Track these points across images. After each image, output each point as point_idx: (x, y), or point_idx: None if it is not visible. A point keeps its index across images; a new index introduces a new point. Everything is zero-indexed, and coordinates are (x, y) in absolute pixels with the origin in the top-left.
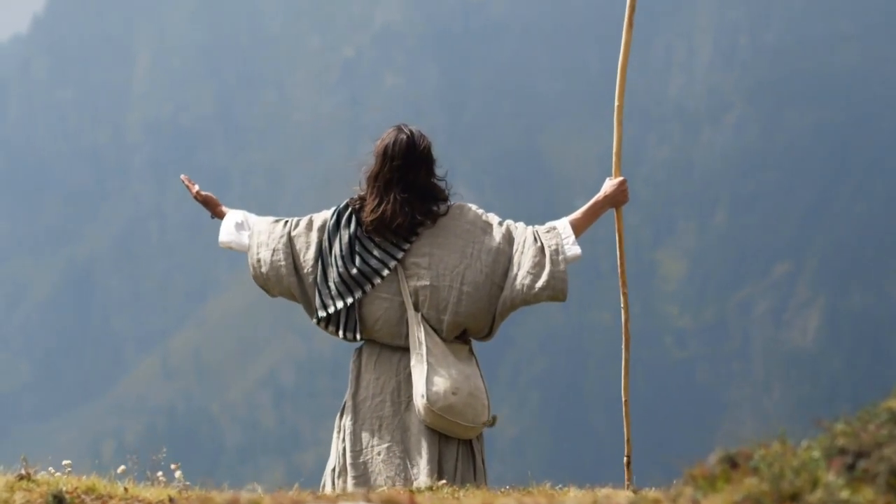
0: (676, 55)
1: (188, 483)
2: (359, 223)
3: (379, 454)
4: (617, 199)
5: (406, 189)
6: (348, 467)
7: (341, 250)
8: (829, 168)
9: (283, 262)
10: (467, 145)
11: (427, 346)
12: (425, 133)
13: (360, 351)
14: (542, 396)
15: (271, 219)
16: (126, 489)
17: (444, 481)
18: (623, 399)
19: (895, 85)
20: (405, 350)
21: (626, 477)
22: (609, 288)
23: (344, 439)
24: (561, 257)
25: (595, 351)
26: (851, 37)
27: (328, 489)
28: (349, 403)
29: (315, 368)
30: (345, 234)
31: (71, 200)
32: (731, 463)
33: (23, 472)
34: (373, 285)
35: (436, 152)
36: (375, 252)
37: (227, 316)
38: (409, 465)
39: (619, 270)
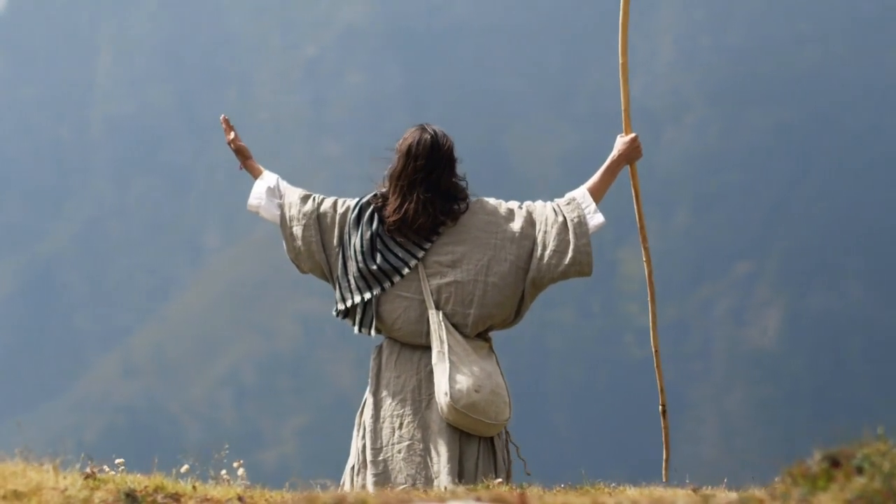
0: (638, 55)
1: (248, 482)
2: (381, 221)
3: (399, 452)
4: (631, 156)
5: (429, 189)
6: (368, 464)
7: (362, 246)
8: (790, 169)
9: (314, 239)
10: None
11: (449, 345)
12: (448, 133)
13: (379, 349)
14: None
15: (301, 191)
16: (194, 487)
17: (500, 479)
18: (654, 349)
19: (856, 86)
20: (425, 348)
21: (662, 425)
22: (569, 286)
23: (364, 436)
24: (584, 229)
25: (556, 349)
26: (812, 38)
27: (347, 487)
28: (369, 401)
29: (276, 367)
30: (366, 231)
31: (32, 198)
32: (832, 462)
33: (88, 470)
34: (392, 283)
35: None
36: (397, 251)
37: (188, 314)
38: (429, 463)
39: (638, 225)
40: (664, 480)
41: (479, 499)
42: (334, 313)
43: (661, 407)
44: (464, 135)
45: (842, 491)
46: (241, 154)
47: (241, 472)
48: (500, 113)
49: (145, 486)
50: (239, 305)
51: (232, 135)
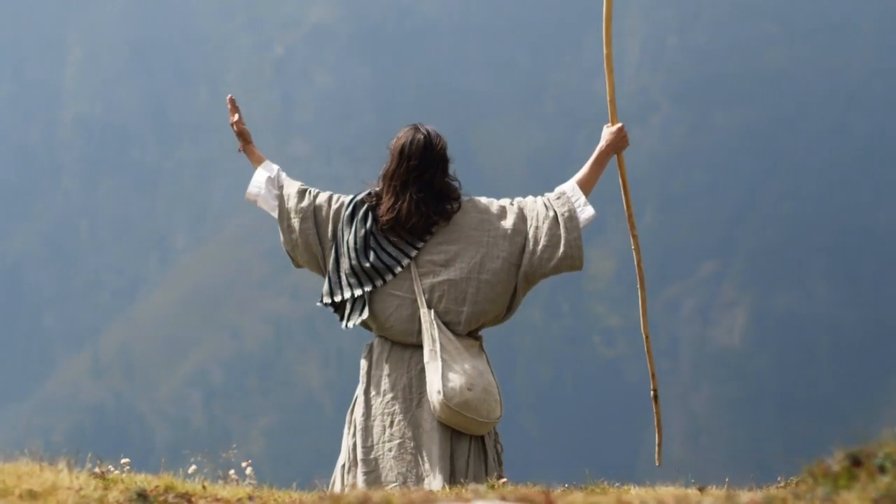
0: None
1: (253, 482)
2: (375, 220)
3: (390, 450)
4: (618, 146)
5: (422, 189)
6: (359, 462)
7: (355, 243)
8: (755, 169)
9: (311, 232)
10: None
11: (441, 343)
12: (441, 133)
13: (370, 347)
14: None
15: (299, 184)
16: (204, 487)
17: (504, 479)
18: (644, 335)
19: (822, 87)
20: (416, 347)
21: (654, 410)
22: (538, 286)
23: (354, 434)
24: (574, 223)
25: (524, 349)
26: (778, 40)
27: (337, 485)
28: (360, 399)
29: (244, 367)
30: (360, 229)
31: (0, 198)
32: (854, 461)
33: (97, 470)
34: (384, 281)
35: (366, 150)
36: (390, 249)
37: (156, 314)
38: (420, 462)
39: (626, 214)
40: (657, 464)
41: (504, 498)
42: (319, 303)
43: (652, 392)
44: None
45: (865, 490)
46: (243, 137)
47: (248, 471)
48: (467, 112)
49: (156, 486)
50: (207, 305)
51: (236, 116)
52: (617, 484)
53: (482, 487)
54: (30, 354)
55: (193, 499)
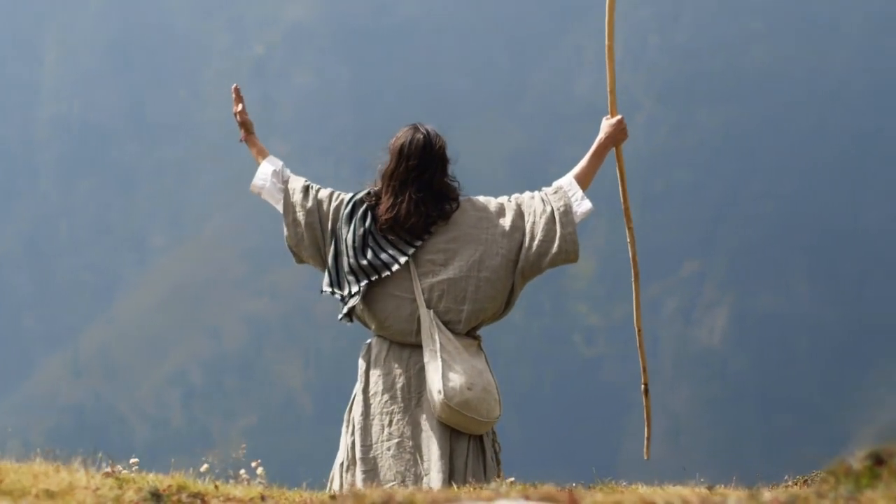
0: (586, 55)
1: (263, 482)
2: (374, 219)
3: (389, 449)
4: (617, 138)
5: (421, 188)
6: (358, 461)
7: (354, 241)
8: (737, 168)
9: (317, 225)
10: (378, 144)
11: (440, 343)
12: (440, 133)
13: (369, 346)
14: None
15: (303, 180)
16: (216, 486)
17: (512, 479)
18: (637, 329)
19: (804, 86)
20: (414, 346)
21: (644, 404)
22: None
23: (353, 433)
24: (570, 218)
25: (504, 349)
26: (760, 37)
27: (336, 484)
28: (359, 398)
29: (224, 367)
30: (359, 228)
31: None
32: (876, 460)
33: (108, 469)
34: (379, 276)
35: (345, 151)
36: (388, 248)
37: (135, 314)
38: (419, 461)
39: (623, 207)
40: (646, 458)
41: (527, 497)
42: (322, 292)
43: (643, 386)
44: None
45: (889, 489)
46: (245, 127)
47: (259, 471)
48: (447, 112)
49: (169, 486)
50: (186, 305)
51: (240, 106)
52: (624, 483)
53: (503, 486)
54: (8, 355)
55: (206, 498)
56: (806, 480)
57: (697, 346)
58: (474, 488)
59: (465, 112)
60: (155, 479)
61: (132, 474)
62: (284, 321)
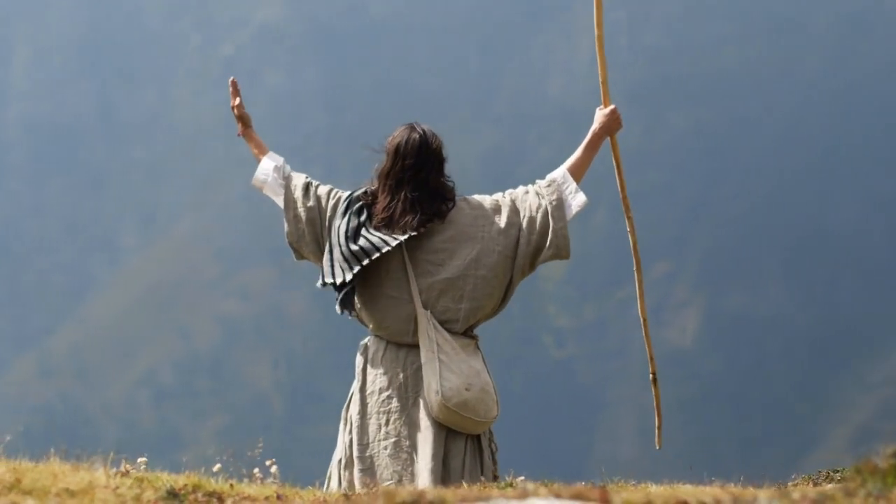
0: (556, 56)
1: (277, 481)
2: (369, 217)
3: (386, 448)
4: (612, 128)
5: (417, 188)
6: (355, 460)
7: (347, 231)
8: (708, 169)
9: (318, 221)
10: (349, 144)
11: (437, 343)
12: (437, 132)
13: (365, 345)
14: None
15: (304, 176)
16: (232, 485)
17: (522, 477)
18: (642, 319)
19: (774, 87)
20: (411, 346)
21: (653, 393)
22: None
23: (351, 431)
24: (561, 212)
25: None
26: (731, 39)
27: (334, 481)
28: (356, 396)
29: (194, 368)
30: (353, 220)
31: None
32: None
33: (123, 469)
34: (370, 258)
35: (317, 150)
36: (379, 235)
37: (105, 315)
38: (415, 460)
39: (621, 196)
40: (658, 447)
41: (559, 495)
42: (318, 285)
43: (651, 375)
44: (382, 134)
45: None
46: (243, 121)
47: (273, 469)
48: (418, 112)
49: (185, 485)
50: (157, 306)
51: (237, 100)
52: (633, 482)
53: (532, 485)
54: None
55: (223, 497)
56: (812, 480)
57: (669, 347)
58: (505, 486)
59: (436, 112)
60: (169, 479)
61: (146, 473)
62: (255, 322)
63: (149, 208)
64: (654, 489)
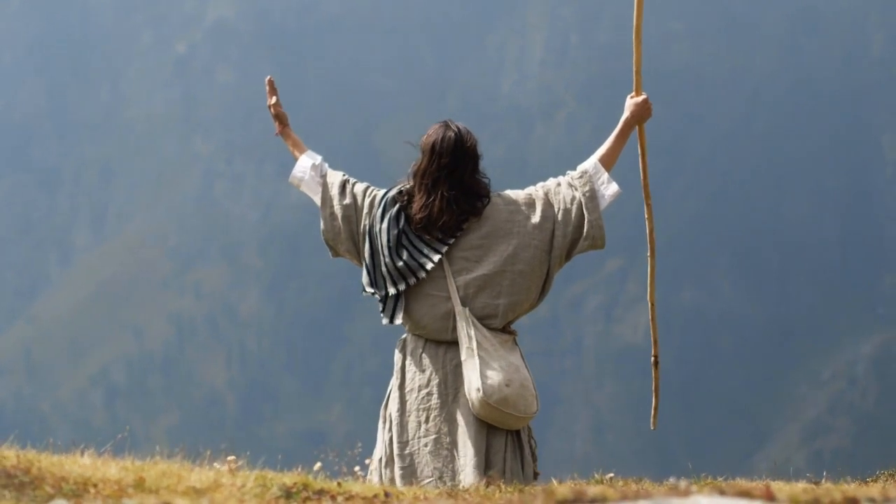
0: (509, 53)
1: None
2: (407, 219)
3: (426, 445)
4: (642, 116)
5: (453, 186)
6: (395, 458)
7: (389, 241)
8: (660, 166)
9: (354, 219)
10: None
11: (477, 340)
12: (471, 130)
13: (404, 342)
14: (374, 394)
15: (341, 174)
16: (339, 484)
17: (611, 474)
18: (650, 302)
19: (726, 84)
20: (450, 343)
21: (653, 375)
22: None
23: (390, 429)
24: (595, 203)
25: None
26: (682, 37)
27: (375, 479)
28: (395, 394)
29: (147, 367)
30: (393, 228)
31: None
32: None
33: (227, 466)
34: (417, 279)
35: (269, 149)
36: (422, 248)
37: (57, 313)
38: (456, 457)
39: (642, 184)
40: (652, 428)
41: (723, 493)
42: (364, 293)
43: (653, 358)
44: (335, 132)
45: None
46: (280, 120)
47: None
48: (371, 111)
49: (295, 483)
50: (109, 304)
51: (274, 99)
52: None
53: (693, 485)
54: None
55: (335, 496)
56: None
57: (620, 343)
58: (669, 486)
59: (388, 110)
60: (274, 478)
61: (250, 471)
62: (207, 320)
63: (101, 207)
64: (819, 488)
